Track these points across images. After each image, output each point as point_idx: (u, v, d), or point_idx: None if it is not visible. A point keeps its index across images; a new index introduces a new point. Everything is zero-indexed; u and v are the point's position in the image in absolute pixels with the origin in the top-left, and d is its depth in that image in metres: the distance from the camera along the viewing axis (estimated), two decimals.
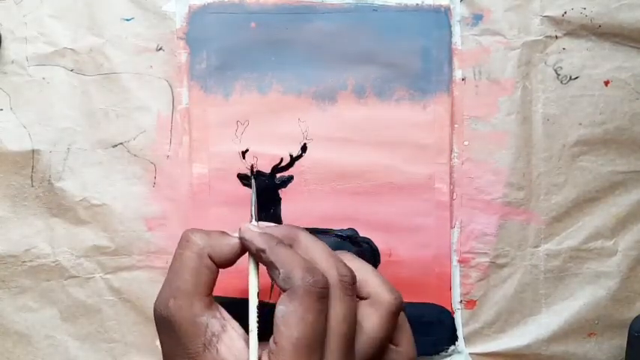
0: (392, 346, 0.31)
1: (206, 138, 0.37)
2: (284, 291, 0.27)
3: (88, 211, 0.37)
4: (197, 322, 0.27)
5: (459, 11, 0.37)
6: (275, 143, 0.37)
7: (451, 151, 0.38)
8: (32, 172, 0.37)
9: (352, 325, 0.28)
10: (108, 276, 0.38)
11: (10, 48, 0.37)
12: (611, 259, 0.39)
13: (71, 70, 0.37)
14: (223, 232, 0.30)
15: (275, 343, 0.26)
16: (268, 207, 0.37)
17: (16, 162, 0.37)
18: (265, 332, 0.28)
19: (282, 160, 0.37)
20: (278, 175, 0.37)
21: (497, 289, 0.38)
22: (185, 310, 0.27)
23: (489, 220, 0.38)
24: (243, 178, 0.37)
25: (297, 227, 0.31)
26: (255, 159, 0.37)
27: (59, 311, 0.38)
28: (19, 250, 0.37)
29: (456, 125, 0.38)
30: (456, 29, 0.37)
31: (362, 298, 0.30)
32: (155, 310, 0.28)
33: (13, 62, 0.37)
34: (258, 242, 0.28)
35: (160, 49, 0.37)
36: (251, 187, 0.36)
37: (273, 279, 0.28)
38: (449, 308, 0.38)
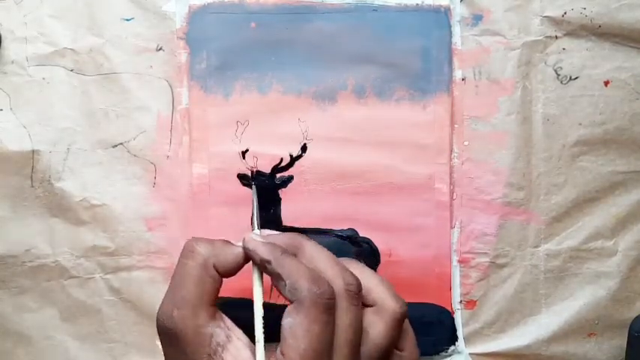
0: (396, 351, 0.31)
1: (206, 138, 0.37)
2: (291, 302, 0.27)
3: (88, 211, 0.37)
4: (202, 332, 0.27)
5: (458, 11, 0.37)
6: (275, 143, 0.37)
7: (451, 151, 0.38)
8: (32, 172, 0.37)
9: (358, 333, 0.28)
10: (108, 276, 0.38)
11: (10, 48, 0.37)
12: (611, 259, 0.39)
13: (71, 70, 0.37)
14: (227, 242, 0.30)
15: (282, 354, 0.26)
16: (268, 207, 0.37)
17: (16, 162, 0.37)
18: (267, 334, 0.28)
19: (282, 160, 0.37)
20: (278, 175, 0.37)
21: (497, 289, 0.38)
22: (189, 320, 0.27)
23: (489, 220, 0.38)
24: (243, 178, 0.37)
25: (301, 235, 0.30)
26: (255, 159, 0.37)
27: (59, 311, 0.38)
28: (19, 250, 0.37)
29: (456, 125, 0.38)
30: (456, 29, 0.37)
31: (367, 306, 0.30)
32: (158, 320, 0.28)
33: (13, 62, 0.37)
34: (263, 253, 0.28)
35: (160, 49, 0.37)
36: (251, 190, 0.36)
37: (278, 290, 0.28)
38: (449, 308, 0.38)
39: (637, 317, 0.38)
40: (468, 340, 0.38)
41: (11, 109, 0.37)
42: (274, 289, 0.36)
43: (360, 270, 0.30)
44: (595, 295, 0.39)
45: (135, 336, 0.38)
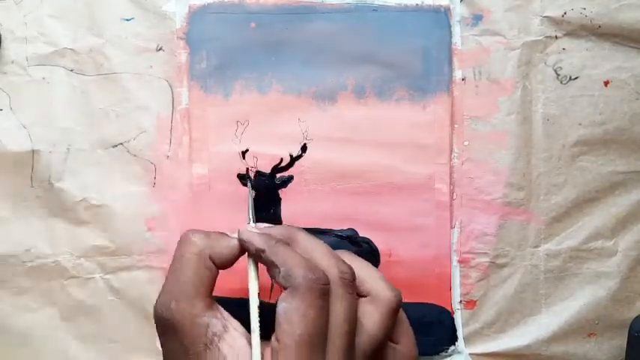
0: (392, 345, 0.31)
1: (206, 138, 0.37)
2: (285, 289, 0.27)
3: (88, 211, 0.37)
4: (198, 322, 0.27)
5: (458, 11, 0.37)
6: (275, 143, 0.37)
7: (451, 151, 0.38)
8: (32, 172, 0.37)
9: (353, 322, 0.28)
10: (108, 276, 0.38)
11: (10, 48, 0.37)
12: (611, 259, 0.39)
13: (71, 70, 0.37)
14: (222, 233, 0.30)
15: (277, 340, 0.26)
16: (268, 207, 0.37)
17: (16, 162, 0.37)
18: (266, 332, 0.28)
19: (282, 160, 0.37)
20: (278, 175, 0.37)
21: (497, 289, 0.38)
22: (186, 310, 0.27)
23: (489, 220, 0.38)
24: (243, 178, 0.37)
25: (295, 227, 0.31)
26: (255, 159, 0.37)
27: (59, 311, 0.38)
28: (19, 250, 0.37)
29: (456, 125, 0.38)
30: (456, 29, 0.37)
31: (361, 296, 0.30)
32: (155, 312, 0.28)
33: (13, 62, 0.37)
34: (257, 242, 0.29)
35: (160, 49, 0.37)
36: (248, 201, 0.36)
37: (273, 277, 0.28)
38: (449, 308, 0.38)
39: (637, 317, 0.38)
40: (467, 340, 0.38)
41: (11, 109, 0.37)
42: (274, 290, 0.36)
43: (353, 260, 0.30)
44: (595, 295, 0.39)
45: (135, 336, 0.38)
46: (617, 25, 0.37)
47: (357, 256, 0.32)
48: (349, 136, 0.37)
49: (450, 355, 0.38)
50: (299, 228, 0.31)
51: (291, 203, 0.37)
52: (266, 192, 0.37)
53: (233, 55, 0.37)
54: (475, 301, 0.38)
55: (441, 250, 0.38)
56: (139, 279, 0.37)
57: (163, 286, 0.28)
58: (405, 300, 0.36)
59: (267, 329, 0.27)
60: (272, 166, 0.37)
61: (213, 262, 0.29)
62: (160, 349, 0.28)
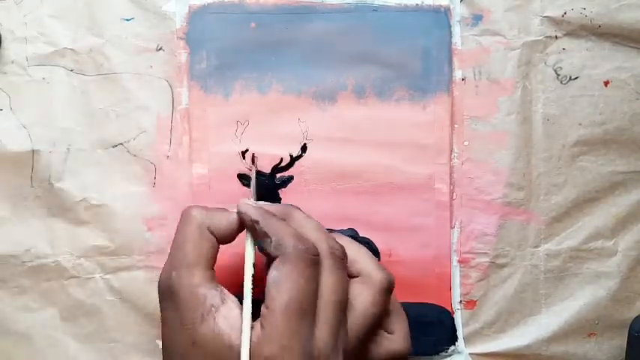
0: (386, 334, 0.32)
1: (206, 138, 0.37)
2: (275, 258, 0.27)
3: (88, 211, 0.37)
4: (197, 292, 0.28)
5: (458, 11, 0.37)
6: (275, 143, 0.37)
7: (451, 151, 0.38)
8: (32, 172, 0.37)
9: (343, 297, 0.28)
10: (108, 276, 0.38)
11: (10, 48, 0.37)
12: (611, 259, 0.39)
13: (71, 70, 0.37)
14: (222, 208, 0.31)
15: (266, 307, 0.27)
16: None
17: (16, 162, 0.37)
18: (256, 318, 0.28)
19: (282, 160, 0.37)
20: (278, 175, 0.37)
21: (497, 289, 0.38)
22: (185, 279, 0.28)
23: (489, 220, 0.38)
24: (243, 178, 0.37)
25: (292, 206, 0.32)
26: (256, 159, 0.37)
27: (59, 311, 0.38)
28: (19, 250, 0.37)
29: (456, 125, 0.38)
30: (456, 29, 0.37)
31: (353, 277, 0.31)
32: (159, 283, 0.29)
33: (13, 62, 0.37)
34: (253, 214, 0.29)
35: (160, 49, 0.37)
36: (251, 182, 0.36)
37: (264, 249, 0.28)
38: (449, 308, 0.38)
39: (637, 317, 0.38)
40: (467, 340, 0.38)
41: (11, 109, 0.37)
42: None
43: (345, 242, 0.31)
44: (595, 295, 0.39)
45: (135, 336, 0.38)
46: (617, 25, 0.37)
47: (349, 238, 0.32)
48: (349, 136, 0.37)
49: (449, 355, 0.38)
50: (296, 207, 0.32)
51: (292, 203, 0.37)
52: (266, 192, 0.37)
53: (233, 55, 0.37)
54: (475, 301, 0.38)
55: (441, 250, 0.38)
56: (138, 279, 0.37)
57: (166, 260, 0.29)
58: (405, 300, 0.37)
59: (258, 315, 0.28)
60: (272, 166, 0.37)
61: (214, 235, 0.29)
62: (160, 348, 0.28)
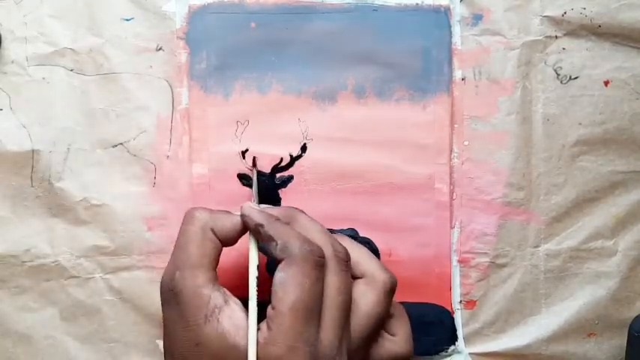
0: (388, 336, 0.32)
1: (206, 138, 0.37)
2: (281, 261, 0.28)
3: (88, 211, 0.37)
4: (200, 293, 0.28)
5: (458, 11, 0.37)
6: (275, 143, 0.37)
7: (451, 151, 0.38)
8: (32, 172, 0.37)
9: (347, 298, 0.29)
10: (108, 276, 0.38)
11: (10, 48, 0.37)
12: (611, 259, 0.39)
13: (71, 70, 0.37)
14: (226, 211, 0.31)
15: (273, 308, 0.27)
16: None
17: (16, 162, 0.37)
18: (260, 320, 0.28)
19: (282, 160, 0.37)
20: (278, 175, 0.37)
21: (497, 289, 0.38)
22: (189, 280, 0.28)
23: (489, 220, 0.38)
24: (243, 178, 0.37)
25: (296, 208, 0.32)
26: (256, 161, 0.37)
27: (59, 311, 0.38)
28: (19, 250, 0.37)
29: (456, 125, 0.38)
30: (456, 29, 0.37)
31: (356, 278, 0.31)
32: (161, 283, 0.29)
33: (13, 62, 0.37)
34: (257, 217, 0.29)
35: (160, 49, 0.37)
36: (252, 183, 0.36)
37: (270, 252, 0.29)
38: (449, 308, 0.38)
39: (637, 317, 0.38)
40: (467, 340, 0.38)
41: (11, 109, 0.37)
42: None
43: (349, 244, 0.31)
44: (595, 295, 0.39)
45: (135, 336, 0.38)
46: (617, 25, 0.37)
47: (351, 239, 0.33)
48: (349, 136, 0.37)
49: (449, 355, 0.38)
50: (299, 210, 0.32)
51: (291, 203, 0.37)
52: (266, 192, 0.37)
53: (233, 55, 0.37)
54: (475, 301, 0.38)
55: (440, 250, 0.38)
56: (138, 279, 0.37)
57: (169, 260, 0.29)
58: (405, 300, 0.37)
59: (261, 317, 0.28)
60: (272, 166, 0.37)
61: (217, 237, 0.30)
62: (161, 348, 0.28)
